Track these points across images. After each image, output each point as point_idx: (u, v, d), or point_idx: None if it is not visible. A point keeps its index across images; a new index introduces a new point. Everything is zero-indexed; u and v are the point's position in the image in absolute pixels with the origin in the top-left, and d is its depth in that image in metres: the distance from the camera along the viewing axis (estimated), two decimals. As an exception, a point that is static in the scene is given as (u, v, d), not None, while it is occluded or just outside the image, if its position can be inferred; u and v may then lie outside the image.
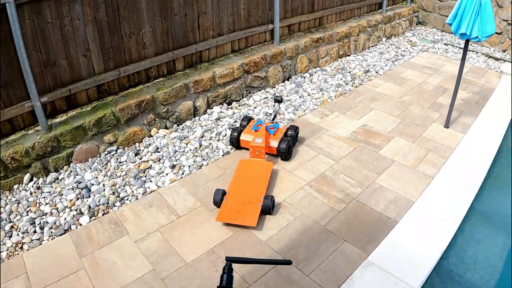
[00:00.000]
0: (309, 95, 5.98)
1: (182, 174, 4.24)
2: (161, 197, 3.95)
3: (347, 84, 6.49)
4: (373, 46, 8.40)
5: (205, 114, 5.28)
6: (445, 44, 9.18)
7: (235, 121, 5.15)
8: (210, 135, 4.88)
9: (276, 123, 4.72)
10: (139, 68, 4.71)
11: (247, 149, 4.48)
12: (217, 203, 3.63)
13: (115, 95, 4.63)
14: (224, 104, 5.45)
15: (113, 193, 3.90)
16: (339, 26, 7.41)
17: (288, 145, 4.32)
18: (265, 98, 5.79)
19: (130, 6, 4.39)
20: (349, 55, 7.71)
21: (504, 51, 9.38)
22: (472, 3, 4.37)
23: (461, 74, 5.13)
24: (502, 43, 9.40)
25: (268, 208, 3.57)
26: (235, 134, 4.51)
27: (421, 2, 10.23)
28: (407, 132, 5.28)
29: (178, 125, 5.02)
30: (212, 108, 5.34)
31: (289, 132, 4.60)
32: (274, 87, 6.12)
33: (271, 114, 5.21)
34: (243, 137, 4.49)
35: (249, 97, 5.73)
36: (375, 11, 8.83)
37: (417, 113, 5.81)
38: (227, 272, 1.61)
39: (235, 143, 4.54)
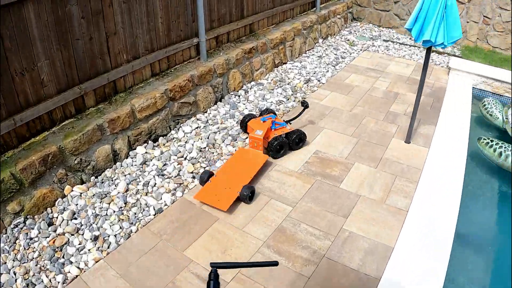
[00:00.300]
0: (248, 118, 5.20)
1: (108, 247, 3.30)
2: (86, 286, 3.02)
3: (288, 99, 5.77)
4: (310, 50, 7.75)
5: (127, 158, 4.34)
6: (384, 40, 8.75)
7: (164, 164, 4.27)
8: (136, 187, 3.95)
9: (285, 121, 4.77)
10: (39, 112, 3.67)
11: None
12: (202, 182, 3.93)
13: (14, 149, 3.60)
14: (149, 141, 4.55)
15: (27, 286, 2.96)
16: (272, 32, 6.68)
17: (280, 143, 4.40)
18: (197, 128, 4.92)
19: (18, 36, 3.34)
20: (286, 63, 7.01)
21: None
22: (436, 6, 3.77)
23: (422, 88, 4.57)
24: None
25: (245, 197, 3.75)
26: (246, 119, 4.76)
27: (354, -3, 9.80)
28: (366, 154, 4.64)
29: (96, 177, 4.06)
30: (135, 149, 4.42)
31: (292, 135, 4.56)
32: (206, 112, 5.26)
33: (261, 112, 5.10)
34: (250, 123, 4.63)
35: (178, 129, 4.84)
36: (309, 11, 8.21)
37: (373, 128, 5.21)
38: (214, 278, 1.54)
39: (243, 127, 4.82)
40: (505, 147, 4.88)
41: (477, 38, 8.96)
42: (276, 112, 5.27)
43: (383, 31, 9.41)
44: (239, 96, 5.72)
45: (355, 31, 9.26)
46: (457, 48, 8.96)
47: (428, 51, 4.27)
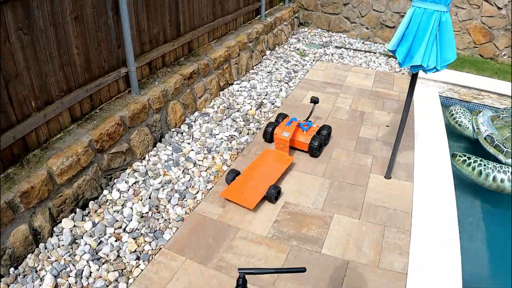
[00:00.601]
0: (194, 165, 4.31)
1: None
2: None
3: (241, 132, 4.95)
4: (257, 64, 6.98)
5: (52, 236, 3.33)
6: (336, 47, 8.14)
7: (99, 243, 3.28)
8: (67, 280, 2.97)
9: (310, 121, 4.96)
10: None
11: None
12: (228, 180, 4.00)
13: None
14: (77, 210, 3.57)
15: None
16: (214, 49, 5.83)
17: (320, 143, 4.57)
18: (135, 183, 3.98)
19: None
20: (232, 83, 6.19)
21: None
22: (429, 23, 3.08)
23: (405, 122, 3.96)
24: None
25: (271, 196, 3.79)
26: (270, 129, 4.74)
27: (300, 1, 9.10)
28: (344, 200, 3.91)
29: (16, 267, 3.05)
30: (60, 223, 3.42)
31: (323, 131, 4.78)
32: (144, 159, 4.33)
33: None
34: (277, 131, 4.56)
35: (112, 187, 3.88)
36: (253, 20, 7.44)
37: (345, 162, 4.50)
38: (242, 284, 1.51)
39: (269, 137, 4.78)
40: (484, 165, 4.59)
41: (433, 39, 8.54)
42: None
43: (334, 36, 8.81)
44: (181, 133, 4.81)
45: (303, 38, 8.58)
46: None
47: (414, 77, 3.61)
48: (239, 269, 1.55)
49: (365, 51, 8.01)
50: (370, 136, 5.07)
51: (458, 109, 5.66)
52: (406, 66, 3.38)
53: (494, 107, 6.25)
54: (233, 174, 4.01)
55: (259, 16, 7.52)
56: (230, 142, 4.74)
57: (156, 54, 4.79)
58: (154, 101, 4.45)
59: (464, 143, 5.63)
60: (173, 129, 4.84)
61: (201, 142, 4.67)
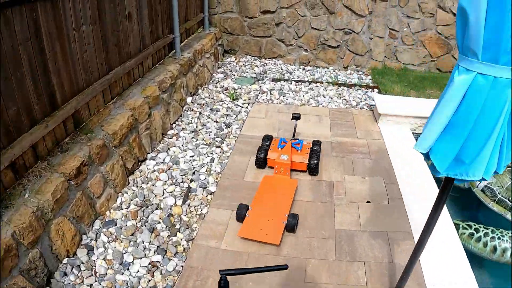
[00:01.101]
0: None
1: None
2: None
3: (166, 253, 3.37)
4: (177, 120, 5.43)
5: None
6: (274, 80, 6.77)
7: None
8: None
9: (298, 139, 4.81)
10: None
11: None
12: (240, 217, 3.72)
13: None
14: None
15: None
16: (114, 115, 4.14)
17: (317, 160, 4.44)
18: None
19: None
20: (145, 159, 4.56)
21: (346, 67, 7.51)
22: (501, 106, 1.77)
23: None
24: (342, 58, 7.50)
25: (292, 226, 3.59)
26: (262, 154, 4.50)
27: (223, 24, 7.67)
28: None
29: None
30: None
31: (315, 148, 4.68)
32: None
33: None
34: (270, 156, 4.49)
35: None
36: (166, 58, 5.82)
37: (329, 285, 3.15)
38: (224, 286, 1.55)
39: (262, 163, 4.53)
40: (498, 236, 3.79)
41: (385, 57, 7.48)
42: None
43: (268, 64, 7.44)
44: (79, 266, 3.17)
45: (231, 71, 7.13)
46: (363, 72, 7.40)
47: (446, 188, 2.23)
48: (220, 270, 1.50)
49: (310, 82, 6.72)
50: (350, 224, 3.69)
51: None
52: (452, 176, 2.01)
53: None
54: (244, 210, 3.73)
55: (174, 52, 5.95)
56: (153, 276, 3.20)
57: (20, 149, 3.13)
58: (24, 232, 2.80)
59: (454, 191, 4.46)
60: (65, 261, 3.20)
61: (109, 283, 3.09)
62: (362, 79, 7.01)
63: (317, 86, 6.60)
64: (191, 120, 5.44)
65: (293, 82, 6.69)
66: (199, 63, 6.35)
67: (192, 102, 5.89)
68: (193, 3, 6.82)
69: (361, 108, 5.94)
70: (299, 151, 4.53)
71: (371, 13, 7.02)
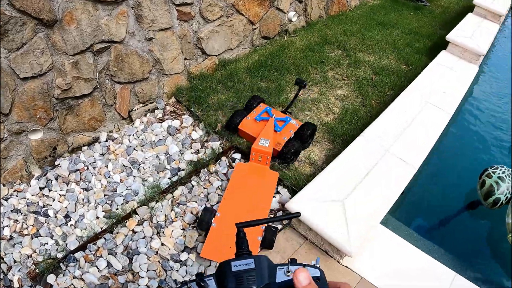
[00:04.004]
0: None
1: None
2: None
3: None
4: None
5: None
6: None
7: None
8: None
9: (288, 116, 3.62)
10: None
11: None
12: (204, 226, 2.77)
13: None
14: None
15: None
16: None
17: (296, 149, 3.35)
18: None
19: None
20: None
21: (126, 118, 3.87)
22: None
23: None
24: (111, 106, 3.83)
25: (270, 242, 2.75)
26: (237, 119, 3.51)
27: None
28: None
29: None
30: None
31: (301, 133, 3.46)
32: None
33: None
34: (243, 126, 3.50)
35: None
36: None
37: None
38: (243, 236, 1.26)
39: (233, 128, 3.53)
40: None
41: (185, 59, 4.11)
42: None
43: None
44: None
45: None
46: (162, 108, 3.98)
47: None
48: (236, 224, 1.23)
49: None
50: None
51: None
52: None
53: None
54: (208, 216, 2.75)
55: None
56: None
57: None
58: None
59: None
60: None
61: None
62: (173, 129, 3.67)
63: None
64: None
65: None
66: None
67: None
68: None
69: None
70: (278, 131, 3.44)
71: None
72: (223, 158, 3.39)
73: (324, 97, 4.13)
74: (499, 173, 3.34)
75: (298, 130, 3.50)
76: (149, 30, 3.48)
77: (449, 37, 4.90)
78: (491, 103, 4.88)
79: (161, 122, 3.65)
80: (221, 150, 3.43)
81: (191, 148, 3.47)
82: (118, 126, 3.61)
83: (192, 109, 3.71)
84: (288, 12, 4.94)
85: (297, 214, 1.43)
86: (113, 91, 3.46)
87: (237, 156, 3.42)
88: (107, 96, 3.42)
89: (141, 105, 3.74)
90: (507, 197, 3.32)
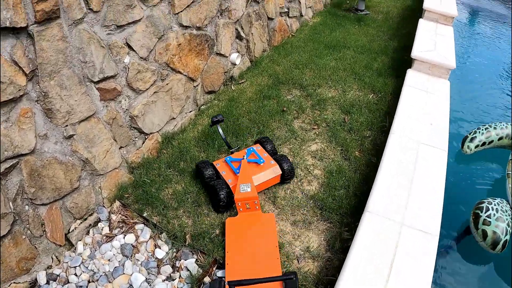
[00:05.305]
0: None
1: None
2: None
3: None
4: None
5: None
6: None
7: None
8: None
9: (252, 147, 3.28)
10: None
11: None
12: None
13: None
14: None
15: None
16: None
17: (290, 161, 3.16)
18: None
19: None
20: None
21: None
22: None
23: None
24: None
25: None
26: (223, 194, 2.88)
27: None
28: None
29: None
30: None
31: (268, 147, 3.28)
32: None
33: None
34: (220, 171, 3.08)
35: None
36: None
37: None
38: None
39: (228, 205, 2.94)
40: None
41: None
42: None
43: None
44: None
45: None
46: None
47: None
48: (228, 281, 1.40)
49: None
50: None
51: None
52: None
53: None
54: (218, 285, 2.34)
55: None
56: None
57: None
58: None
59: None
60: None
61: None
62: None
63: None
64: None
65: None
66: None
67: None
68: None
69: None
70: (261, 162, 3.08)
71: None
72: (206, 279, 2.53)
73: (298, 158, 3.38)
74: (494, 214, 3.00)
75: (265, 147, 3.30)
76: (67, 126, 2.57)
77: (414, 54, 4.32)
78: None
79: (110, 241, 2.75)
80: (200, 272, 2.56)
81: (160, 274, 2.59)
82: (56, 257, 2.67)
83: (145, 215, 2.83)
84: (230, 55, 4.14)
85: (291, 277, 1.44)
86: (39, 218, 2.51)
87: (221, 273, 2.57)
88: (32, 226, 2.47)
89: (78, 221, 2.80)
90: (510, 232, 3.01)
